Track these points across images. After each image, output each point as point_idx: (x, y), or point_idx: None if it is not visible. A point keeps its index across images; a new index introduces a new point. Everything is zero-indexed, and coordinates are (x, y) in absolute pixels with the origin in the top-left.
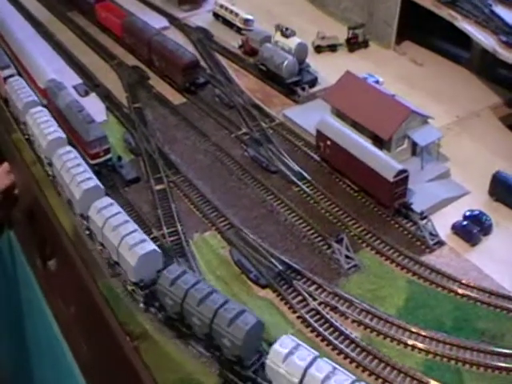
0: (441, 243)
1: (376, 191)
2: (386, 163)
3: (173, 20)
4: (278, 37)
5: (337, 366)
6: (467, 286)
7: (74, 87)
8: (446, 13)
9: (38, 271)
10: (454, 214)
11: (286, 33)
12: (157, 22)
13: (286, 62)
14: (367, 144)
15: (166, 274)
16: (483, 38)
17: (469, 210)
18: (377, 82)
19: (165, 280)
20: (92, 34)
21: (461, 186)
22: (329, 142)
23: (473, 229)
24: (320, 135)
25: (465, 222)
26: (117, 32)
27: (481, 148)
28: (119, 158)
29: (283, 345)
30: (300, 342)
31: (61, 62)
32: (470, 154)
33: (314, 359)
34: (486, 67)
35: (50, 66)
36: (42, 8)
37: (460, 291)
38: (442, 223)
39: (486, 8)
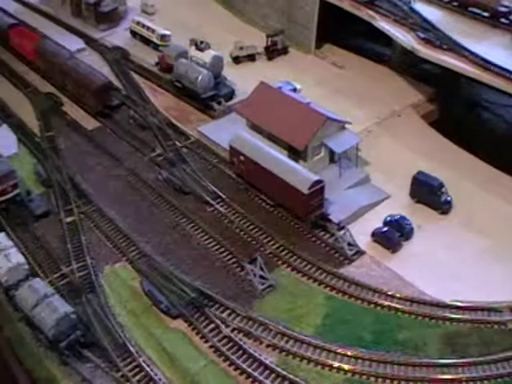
0: (360, 253)
1: (291, 205)
2: (299, 175)
3: (90, 41)
4: (192, 51)
5: None
6: (387, 295)
7: None
8: (364, 13)
9: None
10: (375, 220)
11: (201, 46)
12: (73, 44)
13: (200, 77)
14: (281, 157)
15: None
16: (401, 36)
17: (389, 216)
18: (294, 89)
19: None
20: (6, 62)
21: (381, 190)
22: (242, 158)
23: (392, 235)
24: (233, 151)
25: (385, 229)
26: (30, 57)
27: (402, 149)
28: (28, 193)
29: None
30: None
31: None
32: (391, 156)
33: None
34: (408, 64)
35: None
36: None
37: (380, 302)
38: (364, 231)
39: (406, 5)
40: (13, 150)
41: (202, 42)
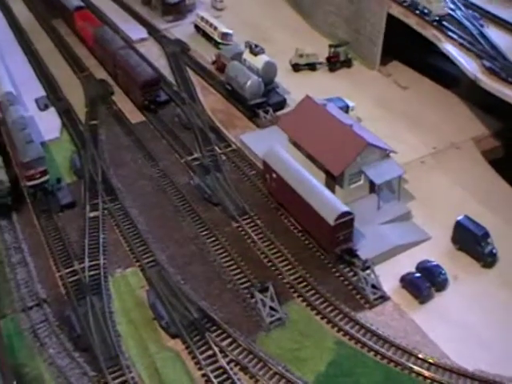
0: (384, 298)
1: (317, 234)
2: (328, 204)
3: (153, 31)
4: (246, 54)
5: None
6: (404, 351)
7: (36, 100)
8: (430, 33)
9: None
10: (408, 263)
11: (255, 50)
12: (136, 32)
13: (249, 83)
14: (313, 181)
15: None
16: (465, 63)
17: (424, 261)
18: (346, 107)
19: None
20: (69, 44)
21: (422, 230)
22: (274, 175)
23: (422, 283)
24: (266, 166)
25: (416, 275)
26: (89, 42)
27: (454, 186)
28: (58, 181)
29: None
30: None
31: (31, 72)
32: (440, 193)
33: None
34: (477, 93)
35: (16, 77)
36: (28, 14)
37: (394, 358)
38: (393, 273)
39: (476, 29)
40: (55, 134)
41: (256, 46)
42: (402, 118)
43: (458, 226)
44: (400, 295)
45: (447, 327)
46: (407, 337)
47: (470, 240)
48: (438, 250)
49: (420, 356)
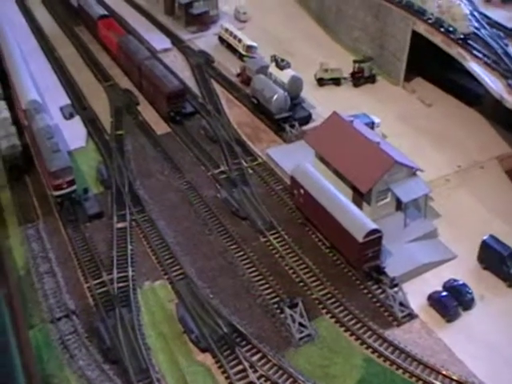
0: (411, 316)
1: (345, 251)
2: (356, 221)
3: (177, 41)
4: (272, 68)
5: None
6: (432, 370)
7: (61, 108)
8: (455, 51)
9: None
10: (434, 281)
11: (281, 64)
12: (160, 42)
13: (275, 97)
14: (341, 197)
15: None
16: (491, 82)
17: (450, 280)
18: (372, 123)
19: None
20: (93, 52)
21: (448, 248)
22: (302, 191)
23: (450, 302)
24: (294, 182)
25: (443, 294)
26: (113, 51)
27: (479, 205)
28: (85, 191)
29: None
30: None
31: (54, 79)
32: (465, 212)
33: None
34: (501, 112)
35: (40, 85)
36: (51, 21)
37: (423, 376)
38: (420, 292)
39: (501, 48)
40: (81, 143)
41: (282, 60)
42: (426, 135)
43: (484, 245)
44: (427, 313)
45: (474, 346)
46: (434, 355)
47: (496, 260)
48: (464, 268)
49: (447, 375)
